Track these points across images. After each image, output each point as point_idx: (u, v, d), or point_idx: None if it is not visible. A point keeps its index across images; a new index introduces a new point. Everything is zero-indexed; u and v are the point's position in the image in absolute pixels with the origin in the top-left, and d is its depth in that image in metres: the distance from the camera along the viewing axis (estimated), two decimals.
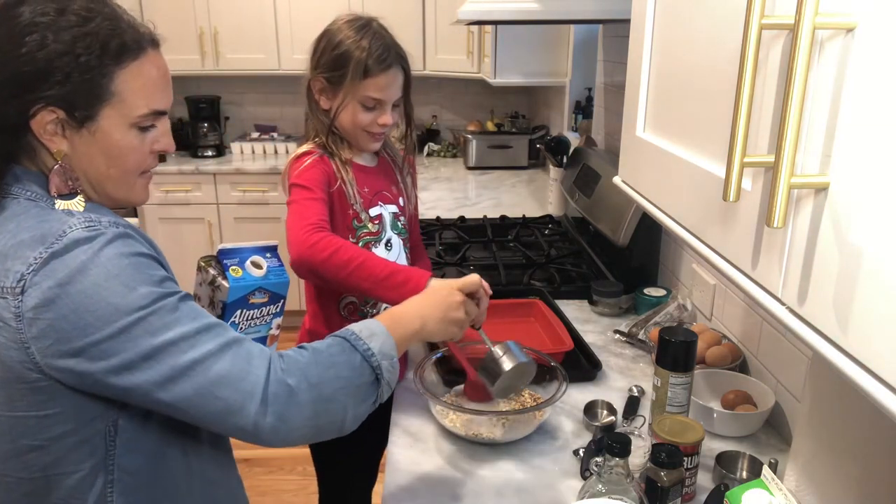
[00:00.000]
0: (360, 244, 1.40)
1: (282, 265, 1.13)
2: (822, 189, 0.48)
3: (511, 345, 1.20)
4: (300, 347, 0.91)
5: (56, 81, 0.80)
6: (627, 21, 0.92)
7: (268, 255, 1.13)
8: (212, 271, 1.07)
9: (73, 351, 0.78)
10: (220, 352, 0.82)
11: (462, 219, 2.62)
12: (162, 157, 0.97)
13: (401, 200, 1.50)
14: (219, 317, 1.04)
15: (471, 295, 1.18)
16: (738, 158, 0.52)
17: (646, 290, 1.79)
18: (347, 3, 3.65)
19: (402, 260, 1.48)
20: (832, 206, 0.47)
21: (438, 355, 1.40)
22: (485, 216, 2.66)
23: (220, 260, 1.08)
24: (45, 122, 0.82)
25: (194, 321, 0.82)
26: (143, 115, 0.87)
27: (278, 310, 1.14)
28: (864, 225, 0.44)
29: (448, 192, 3.17)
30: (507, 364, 1.17)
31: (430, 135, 4.17)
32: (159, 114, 0.90)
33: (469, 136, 3.69)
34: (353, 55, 1.31)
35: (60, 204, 0.85)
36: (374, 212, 1.42)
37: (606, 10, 1.71)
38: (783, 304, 0.54)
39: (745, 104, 0.51)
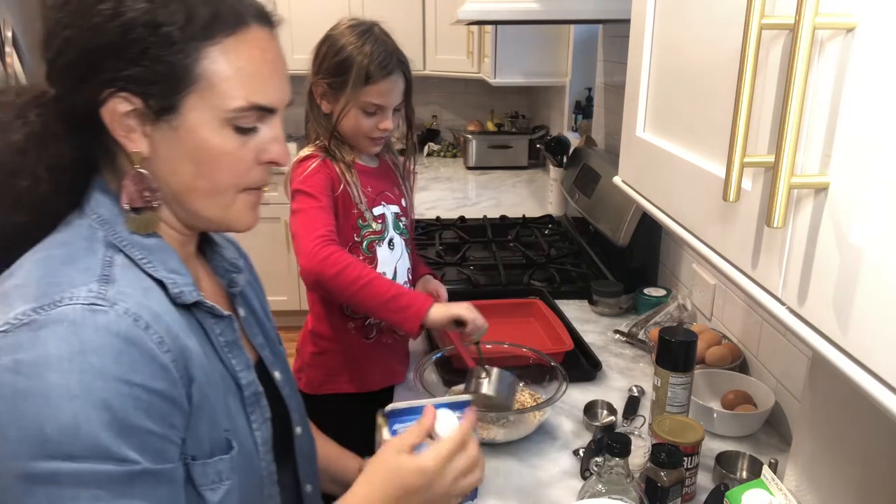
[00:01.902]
0: (365, 243, 1.41)
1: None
2: (822, 189, 0.48)
3: (499, 374, 1.27)
4: None
5: (129, 58, 0.65)
6: (627, 21, 0.92)
7: (458, 415, 0.85)
8: (384, 432, 0.84)
9: None
10: None
11: (462, 219, 2.62)
12: None
13: (402, 202, 1.51)
14: None
15: (462, 322, 1.28)
16: (738, 158, 0.52)
17: (646, 290, 1.79)
18: (347, 3, 3.65)
19: (405, 259, 1.49)
20: (832, 206, 0.47)
21: (438, 355, 1.40)
22: (485, 216, 2.66)
23: (389, 423, 0.84)
24: (119, 114, 0.67)
25: None
26: (240, 110, 0.69)
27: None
28: (864, 225, 0.44)
29: (448, 192, 3.17)
30: (484, 388, 1.25)
31: (430, 135, 4.17)
32: (264, 111, 0.72)
33: (469, 136, 3.69)
34: (354, 61, 1.32)
35: (132, 221, 0.71)
36: (377, 211, 1.43)
37: (606, 10, 1.71)
38: (783, 304, 0.54)
39: (745, 104, 0.51)
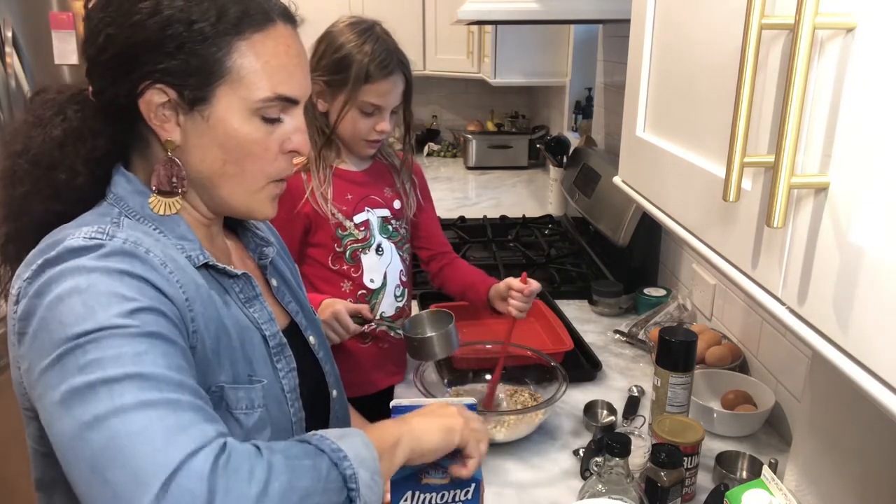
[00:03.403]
0: (348, 252, 1.38)
1: None
2: (822, 189, 0.48)
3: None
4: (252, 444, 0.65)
5: (167, 53, 0.71)
6: (627, 21, 0.92)
7: None
8: None
9: (31, 382, 0.65)
10: (135, 409, 0.59)
11: (462, 219, 2.62)
12: None
13: (396, 203, 1.45)
14: None
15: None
16: (738, 158, 0.52)
17: (646, 290, 1.79)
18: (348, 2, 3.65)
19: (396, 263, 1.44)
20: (832, 206, 0.47)
21: None
22: (485, 216, 2.66)
23: (393, 417, 0.82)
24: (155, 104, 0.73)
25: (132, 365, 0.61)
26: (266, 100, 0.75)
27: (469, 496, 0.82)
28: (864, 225, 0.44)
29: (448, 192, 3.17)
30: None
31: (430, 135, 4.17)
32: (288, 102, 0.77)
33: (469, 136, 3.69)
34: (354, 59, 1.28)
35: (155, 201, 0.76)
36: (360, 218, 1.39)
37: (606, 10, 1.71)
38: (783, 304, 0.54)
39: (745, 104, 0.51)
